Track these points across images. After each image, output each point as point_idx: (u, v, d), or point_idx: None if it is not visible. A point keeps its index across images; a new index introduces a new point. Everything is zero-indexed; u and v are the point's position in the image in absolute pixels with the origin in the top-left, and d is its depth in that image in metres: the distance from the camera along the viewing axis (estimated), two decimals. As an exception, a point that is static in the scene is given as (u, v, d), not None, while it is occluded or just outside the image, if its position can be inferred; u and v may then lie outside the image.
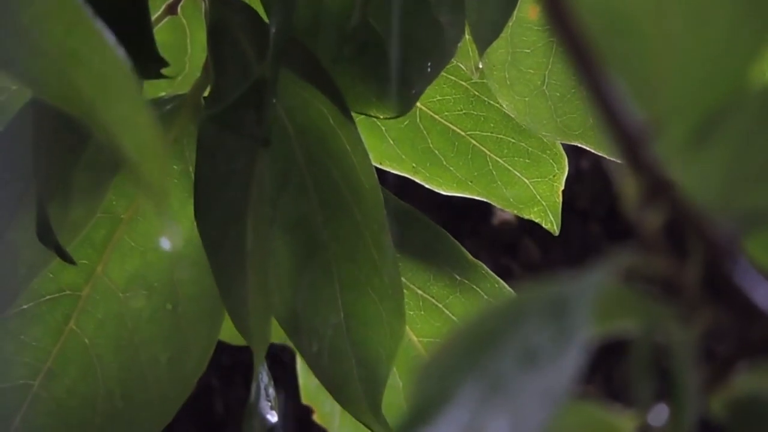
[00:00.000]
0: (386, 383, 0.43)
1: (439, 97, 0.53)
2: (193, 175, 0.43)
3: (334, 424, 0.58)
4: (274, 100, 0.38)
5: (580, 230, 1.02)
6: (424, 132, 0.53)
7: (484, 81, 0.52)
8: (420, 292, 0.50)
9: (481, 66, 0.51)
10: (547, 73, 0.51)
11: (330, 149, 0.43)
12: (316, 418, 0.58)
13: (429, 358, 0.22)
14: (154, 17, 0.47)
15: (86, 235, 0.46)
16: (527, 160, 0.53)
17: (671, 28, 0.23)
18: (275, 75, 0.38)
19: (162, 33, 0.48)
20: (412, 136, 0.53)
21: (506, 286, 0.51)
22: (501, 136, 0.53)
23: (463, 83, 0.52)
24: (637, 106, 0.22)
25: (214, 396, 0.99)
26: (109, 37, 0.23)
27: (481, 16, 0.42)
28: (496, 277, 0.50)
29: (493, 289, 0.50)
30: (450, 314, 0.50)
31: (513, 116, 0.52)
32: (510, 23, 0.50)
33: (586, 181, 1.03)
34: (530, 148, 0.53)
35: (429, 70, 0.44)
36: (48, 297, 0.46)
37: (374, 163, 0.44)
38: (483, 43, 0.43)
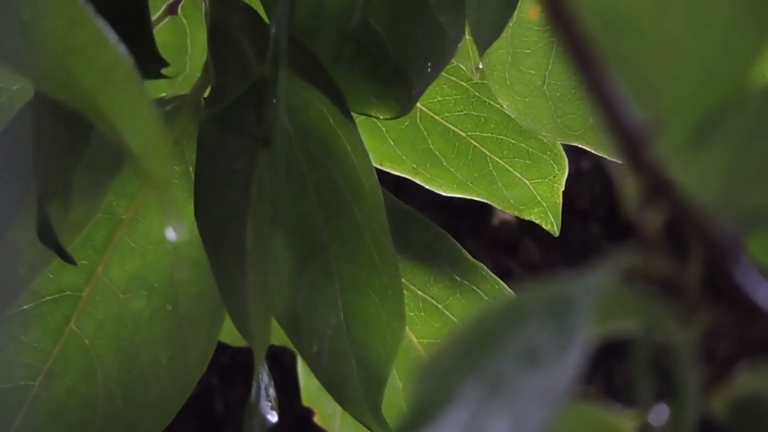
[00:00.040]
0: (386, 384, 0.43)
1: (439, 98, 0.53)
2: (193, 176, 0.43)
3: (335, 426, 0.58)
4: (275, 101, 0.38)
5: (580, 230, 1.02)
6: (425, 133, 0.53)
7: (485, 82, 0.52)
8: (420, 293, 0.50)
9: (481, 66, 0.51)
10: (547, 73, 0.51)
11: (330, 149, 0.43)
12: (316, 419, 0.58)
13: (429, 358, 0.22)
14: (154, 17, 0.47)
15: (86, 235, 0.46)
16: (528, 161, 0.53)
17: (671, 28, 0.23)
18: (275, 75, 0.38)
19: (162, 33, 0.48)
20: (413, 137, 0.53)
21: (506, 287, 0.51)
22: (501, 137, 0.53)
23: (464, 84, 0.52)
24: (637, 106, 0.22)
25: (214, 396, 0.99)
26: (110, 34, 0.23)
27: (481, 16, 0.42)
28: (496, 278, 0.50)
29: (493, 290, 0.50)
30: (450, 315, 0.50)
31: (513, 117, 0.52)
32: (510, 23, 0.50)
33: (586, 181, 1.03)
34: (531, 149, 0.53)
35: (429, 70, 0.44)
36: (48, 298, 0.46)
37: (374, 164, 0.44)
38: (483, 44, 0.43)
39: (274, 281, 0.43)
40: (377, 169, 0.45)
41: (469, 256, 0.51)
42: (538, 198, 0.54)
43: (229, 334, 0.49)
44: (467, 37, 0.46)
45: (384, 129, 0.52)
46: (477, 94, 0.53)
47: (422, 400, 0.21)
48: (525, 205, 0.54)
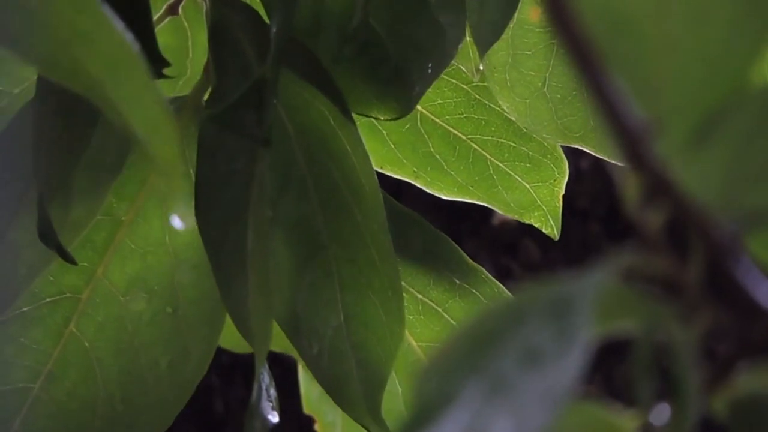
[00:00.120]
0: (386, 385, 0.43)
1: (440, 101, 0.53)
2: (193, 177, 0.43)
3: (337, 434, 0.58)
4: (275, 101, 0.38)
5: (580, 230, 1.02)
6: (425, 136, 0.53)
7: (485, 84, 0.52)
8: (419, 296, 0.50)
9: (481, 68, 0.51)
10: (547, 75, 0.51)
11: (330, 150, 0.43)
12: (317, 428, 0.58)
13: (430, 359, 0.22)
14: (155, 17, 0.47)
15: (87, 237, 0.46)
16: (528, 165, 0.53)
17: (671, 29, 0.23)
18: (276, 75, 0.38)
19: (163, 35, 0.48)
20: (413, 140, 0.53)
21: (506, 290, 0.51)
22: (502, 140, 0.53)
23: (464, 87, 0.52)
24: (638, 106, 0.22)
25: (214, 396, 0.99)
26: (116, 21, 0.23)
27: (481, 17, 0.42)
28: (495, 281, 0.50)
29: (493, 293, 0.50)
30: (449, 318, 0.50)
31: (513, 118, 0.52)
32: (511, 25, 0.50)
33: (586, 181, 1.03)
34: (531, 153, 0.53)
35: (430, 71, 0.44)
36: (48, 299, 0.46)
37: (375, 168, 0.44)
38: (484, 45, 0.43)
39: (274, 282, 0.43)
40: (378, 173, 0.45)
41: (469, 259, 0.51)
42: (539, 201, 0.54)
43: (230, 339, 0.49)
44: (468, 38, 0.46)
45: (385, 132, 0.52)
46: (477, 97, 0.53)
47: (423, 400, 0.21)
48: (525, 209, 0.54)
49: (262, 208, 0.40)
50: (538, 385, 0.20)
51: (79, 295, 0.47)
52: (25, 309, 0.46)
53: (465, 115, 0.53)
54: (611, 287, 0.22)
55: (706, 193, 0.22)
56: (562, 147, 0.53)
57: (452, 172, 0.53)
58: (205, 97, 0.45)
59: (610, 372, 1.02)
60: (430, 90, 0.46)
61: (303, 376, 0.58)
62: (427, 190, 0.54)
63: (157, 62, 0.39)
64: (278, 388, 0.44)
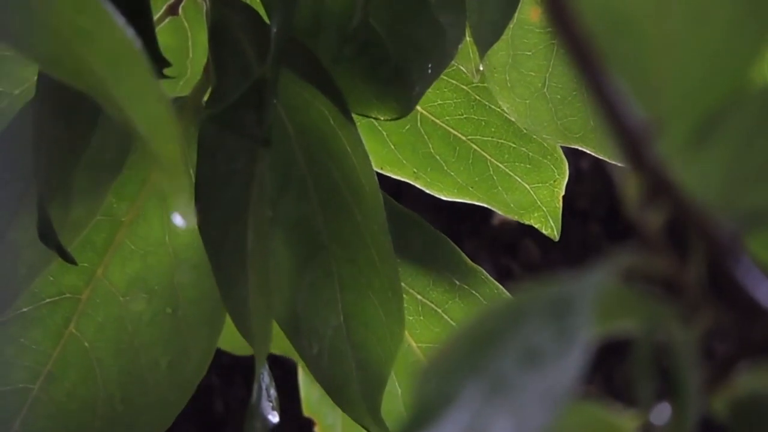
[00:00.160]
0: (385, 385, 0.43)
1: (440, 101, 0.53)
2: (193, 178, 0.43)
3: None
4: (275, 101, 0.38)
5: (580, 230, 1.02)
6: (425, 137, 0.53)
7: (485, 85, 0.52)
8: (419, 297, 0.50)
9: (481, 68, 0.51)
10: (547, 75, 0.51)
11: (330, 150, 0.43)
12: (317, 430, 0.58)
13: (430, 359, 0.22)
14: (155, 18, 0.47)
15: (87, 237, 0.46)
16: (528, 165, 0.53)
17: (671, 29, 0.23)
18: (276, 75, 0.38)
19: (163, 36, 0.48)
20: (413, 141, 0.53)
21: (505, 291, 0.51)
22: (502, 140, 0.53)
23: (464, 87, 0.52)
24: (638, 106, 0.22)
25: (214, 396, 0.99)
26: (118, 18, 0.23)
27: (481, 17, 0.42)
28: (495, 282, 0.50)
29: (493, 294, 0.50)
30: (449, 319, 0.50)
31: (513, 119, 0.52)
32: (511, 25, 0.50)
33: (586, 181, 1.03)
34: (531, 153, 0.53)
35: (430, 71, 0.44)
36: (48, 300, 0.46)
37: (375, 169, 0.44)
38: (484, 45, 0.43)
39: (274, 282, 0.43)
40: (378, 174, 0.45)
41: (469, 260, 0.50)
42: (538, 202, 0.54)
43: (229, 341, 0.49)
44: (468, 38, 0.46)
45: (385, 133, 0.53)
46: (477, 97, 0.53)
47: (423, 401, 0.21)
48: (525, 210, 0.54)
49: (262, 208, 0.40)
50: (538, 385, 0.20)
51: (79, 295, 0.47)
52: (25, 309, 0.46)
53: (465, 115, 0.53)
54: (611, 287, 0.22)
55: (706, 193, 0.22)
56: (562, 147, 0.53)
57: (452, 173, 0.53)
58: (205, 98, 0.45)
59: (610, 372, 1.02)
60: (430, 91, 0.46)
61: (303, 378, 0.58)
62: (427, 191, 0.54)
63: (157, 62, 0.39)
64: (278, 390, 0.44)
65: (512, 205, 0.54)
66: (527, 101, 0.51)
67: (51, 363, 0.46)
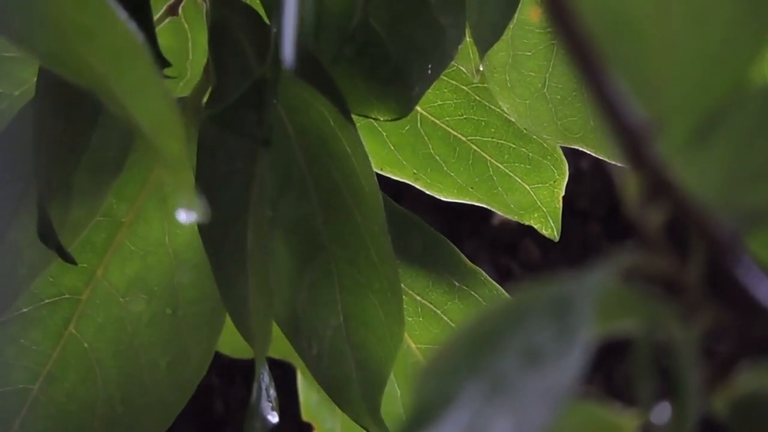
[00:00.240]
0: (385, 385, 0.43)
1: (440, 102, 0.53)
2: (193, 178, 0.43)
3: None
4: (275, 101, 0.38)
5: (580, 230, 1.02)
6: (425, 137, 0.53)
7: (485, 85, 0.52)
8: (419, 298, 0.50)
9: (481, 69, 0.51)
10: (547, 75, 0.51)
11: (330, 150, 0.43)
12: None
13: (431, 359, 0.22)
14: (155, 18, 0.47)
15: (86, 238, 0.46)
16: (528, 166, 0.53)
17: (671, 28, 0.23)
18: (276, 75, 0.38)
19: (163, 36, 0.48)
20: (413, 142, 0.53)
21: (505, 292, 0.51)
22: (502, 141, 0.53)
23: (464, 88, 0.52)
24: (638, 106, 0.22)
25: (214, 396, 0.99)
26: (120, 12, 0.23)
27: (481, 17, 0.42)
28: (494, 283, 0.50)
29: (492, 295, 0.50)
30: (448, 321, 0.50)
31: (513, 119, 0.52)
32: (511, 25, 0.50)
33: (586, 181, 1.03)
34: (531, 154, 0.53)
35: (429, 71, 0.44)
36: (48, 300, 0.46)
37: (375, 170, 0.44)
38: (484, 45, 0.43)
39: (274, 282, 0.43)
40: (377, 175, 0.45)
41: (468, 261, 0.50)
42: (538, 203, 0.54)
43: (228, 344, 0.49)
44: (468, 39, 0.46)
45: (385, 134, 0.53)
46: (477, 98, 0.53)
47: (424, 400, 0.21)
48: (525, 210, 0.54)
49: (262, 209, 0.40)
50: (538, 385, 0.20)
51: (79, 296, 0.47)
52: (24, 310, 0.46)
53: (465, 116, 0.53)
54: (611, 287, 0.22)
55: (706, 193, 0.22)
56: (562, 147, 0.53)
57: (452, 174, 0.53)
58: (205, 98, 0.45)
59: (611, 372, 1.02)
60: (429, 91, 0.46)
61: (302, 382, 0.58)
62: (427, 192, 0.54)
63: (157, 62, 0.39)
64: (278, 390, 0.44)
65: (512, 206, 0.54)
66: (527, 101, 0.51)
67: (51, 363, 0.46)
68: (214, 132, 0.41)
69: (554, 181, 0.54)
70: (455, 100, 0.53)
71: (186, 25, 0.49)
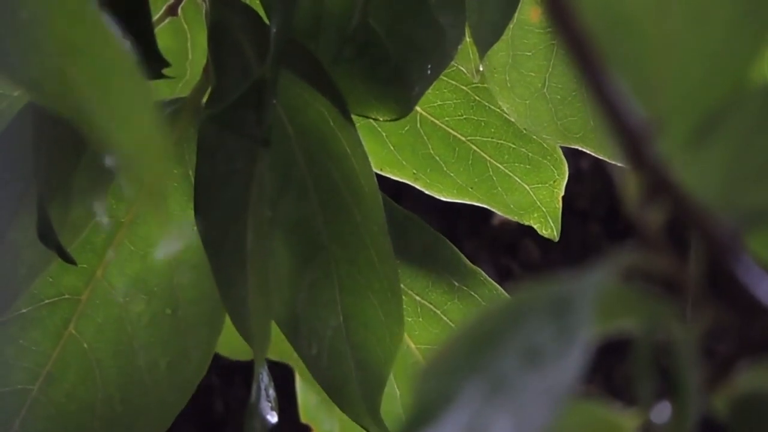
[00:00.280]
0: (385, 385, 0.43)
1: (439, 102, 0.53)
2: (192, 179, 0.43)
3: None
4: (275, 101, 0.38)
5: (580, 230, 1.02)
6: (425, 138, 0.53)
7: (485, 85, 0.52)
8: (418, 298, 0.50)
9: (481, 69, 0.51)
10: (547, 75, 0.51)
11: (330, 151, 0.43)
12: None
13: (431, 359, 0.22)
14: (154, 18, 0.47)
15: (86, 238, 0.46)
16: (528, 166, 0.53)
17: (671, 28, 0.23)
18: (275, 76, 0.38)
19: (163, 37, 0.48)
20: (413, 142, 0.53)
21: (504, 292, 0.51)
22: (501, 141, 0.53)
23: (464, 88, 0.52)
24: (638, 106, 0.22)
25: (214, 396, 0.99)
26: (114, 30, 0.23)
27: (481, 17, 0.42)
28: (494, 283, 0.50)
29: (492, 295, 0.50)
30: (448, 321, 0.50)
31: (513, 119, 0.52)
32: (511, 26, 0.50)
33: (586, 181, 1.03)
34: (531, 154, 0.53)
35: (429, 71, 0.44)
36: (47, 301, 0.46)
37: (375, 170, 0.44)
38: (484, 45, 0.43)
39: (274, 282, 0.43)
40: (377, 175, 0.45)
41: (468, 261, 0.50)
42: (538, 203, 0.54)
43: (227, 346, 0.49)
44: (468, 39, 0.46)
45: (384, 134, 0.53)
46: (477, 98, 0.53)
47: (424, 400, 0.21)
48: (525, 210, 0.54)
49: (261, 209, 0.40)
50: (538, 385, 0.20)
51: (79, 296, 0.47)
52: (24, 310, 0.46)
53: (464, 116, 0.53)
54: (611, 287, 0.22)
55: (706, 192, 0.22)
56: (562, 147, 0.53)
57: (452, 174, 0.53)
58: (205, 98, 0.45)
59: (611, 371, 1.02)
60: (429, 91, 0.46)
61: (300, 384, 0.58)
62: (427, 192, 0.54)
63: (156, 62, 0.39)
64: (277, 390, 0.44)
65: (512, 206, 0.54)
66: (527, 101, 0.51)
67: (50, 364, 0.46)
68: (213, 132, 0.41)
69: (554, 181, 0.54)
70: (455, 100, 0.53)
71: (185, 26, 0.49)
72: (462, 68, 0.51)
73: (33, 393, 0.46)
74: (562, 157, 0.53)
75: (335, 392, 0.43)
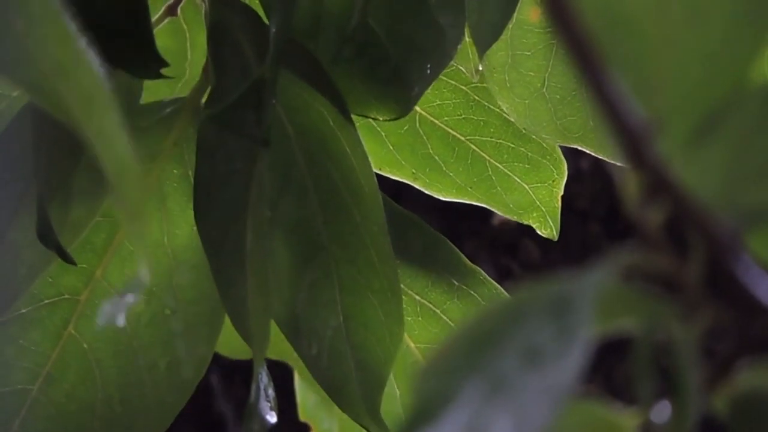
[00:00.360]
0: (385, 385, 0.43)
1: (438, 102, 0.53)
2: (192, 179, 0.43)
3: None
4: (274, 101, 0.38)
5: (580, 230, 1.02)
6: (424, 137, 0.53)
7: (484, 85, 0.52)
8: (418, 297, 0.50)
9: (481, 68, 0.51)
10: (547, 75, 0.51)
11: (330, 151, 0.43)
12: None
13: (430, 358, 0.22)
14: (153, 18, 0.47)
15: (86, 238, 0.46)
16: (527, 166, 0.53)
17: (671, 28, 0.23)
18: (275, 76, 0.38)
19: (162, 37, 0.48)
20: (412, 142, 0.53)
21: (504, 291, 0.51)
22: (501, 141, 0.53)
23: (463, 88, 0.52)
24: (638, 105, 0.22)
25: (214, 396, 0.99)
26: (92, 56, 0.23)
27: (481, 17, 0.42)
28: (494, 282, 0.50)
29: (491, 294, 0.50)
30: (448, 320, 0.50)
31: (513, 119, 0.52)
32: (510, 25, 0.50)
33: (586, 181, 1.03)
34: (530, 154, 0.53)
35: (429, 71, 0.44)
36: (47, 301, 0.46)
37: (374, 170, 0.44)
38: (483, 45, 0.43)
39: (274, 283, 0.43)
40: (377, 175, 0.45)
41: (467, 261, 0.50)
42: (537, 202, 0.54)
43: (227, 345, 0.49)
44: (467, 39, 0.46)
45: (383, 134, 0.53)
46: (476, 98, 0.53)
47: (423, 400, 0.21)
48: (524, 210, 0.54)
49: (261, 209, 0.40)
50: (538, 385, 0.20)
51: (78, 296, 0.47)
52: (23, 310, 0.46)
53: (464, 116, 0.53)
54: (611, 286, 0.22)
55: (706, 192, 0.22)
56: (562, 147, 0.53)
57: (451, 174, 0.53)
58: (204, 98, 0.45)
59: (611, 371, 1.02)
60: (428, 91, 0.46)
61: (299, 383, 0.58)
62: (426, 192, 0.54)
63: (155, 62, 0.39)
64: (277, 390, 0.44)
65: (511, 206, 0.54)
66: (526, 101, 0.51)
67: (50, 364, 0.46)
68: (213, 132, 0.41)
69: (553, 181, 0.54)
70: (454, 100, 0.53)
71: (185, 26, 0.49)
72: (461, 68, 0.51)
73: (33, 393, 0.46)
74: (562, 156, 0.53)
75: (335, 392, 0.43)
